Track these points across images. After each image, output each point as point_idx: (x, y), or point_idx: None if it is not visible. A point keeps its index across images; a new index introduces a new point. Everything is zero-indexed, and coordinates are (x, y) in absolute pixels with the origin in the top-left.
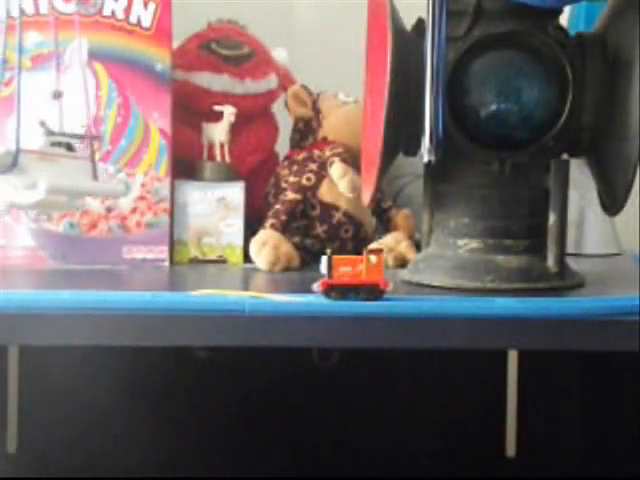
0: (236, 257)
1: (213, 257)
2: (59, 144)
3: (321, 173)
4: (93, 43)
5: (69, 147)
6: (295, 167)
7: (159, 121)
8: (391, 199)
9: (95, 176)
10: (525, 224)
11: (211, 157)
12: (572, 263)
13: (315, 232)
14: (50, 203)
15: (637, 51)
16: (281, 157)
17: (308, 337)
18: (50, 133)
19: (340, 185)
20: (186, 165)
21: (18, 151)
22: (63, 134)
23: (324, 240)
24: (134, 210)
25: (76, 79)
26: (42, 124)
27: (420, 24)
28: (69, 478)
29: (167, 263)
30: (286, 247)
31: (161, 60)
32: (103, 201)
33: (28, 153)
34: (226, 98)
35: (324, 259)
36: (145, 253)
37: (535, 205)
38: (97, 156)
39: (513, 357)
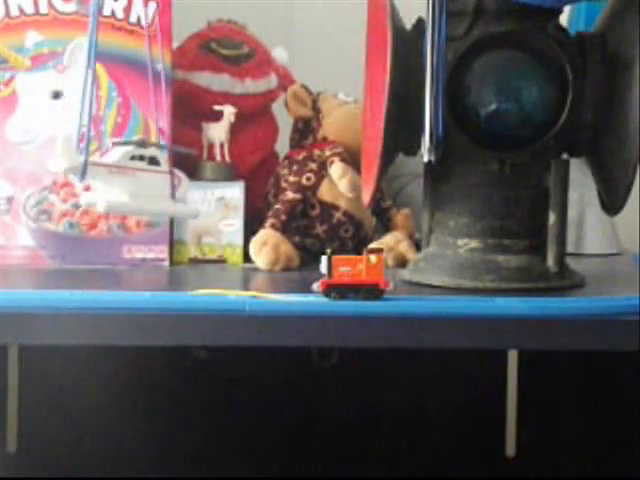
0: (236, 257)
1: (213, 257)
2: (141, 157)
3: (321, 173)
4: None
5: (153, 160)
6: (295, 167)
7: (159, 121)
8: (391, 199)
9: (173, 193)
10: (525, 224)
11: (211, 157)
12: (572, 263)
13: (315, 232)
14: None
15: (637, 51)
16: (281, 157)
17: (308, 337)
18: (138, 144)
19: (340, 185)
20: (186, 165)
21: (86, 164)
22: (148, 145)
23: (324, 240)
24: None
25: (76, 79)
26: (138, 140)
27: (420, 24)
28: (69, 478)
29: (167, 263)
30: (286, 247)
31: (161, 60)
32: None
33: (98, 166)
34: (226, 98)
35: (324, 259)
36: (145, 253)
37: (535, 205)
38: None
39: (513, 357)
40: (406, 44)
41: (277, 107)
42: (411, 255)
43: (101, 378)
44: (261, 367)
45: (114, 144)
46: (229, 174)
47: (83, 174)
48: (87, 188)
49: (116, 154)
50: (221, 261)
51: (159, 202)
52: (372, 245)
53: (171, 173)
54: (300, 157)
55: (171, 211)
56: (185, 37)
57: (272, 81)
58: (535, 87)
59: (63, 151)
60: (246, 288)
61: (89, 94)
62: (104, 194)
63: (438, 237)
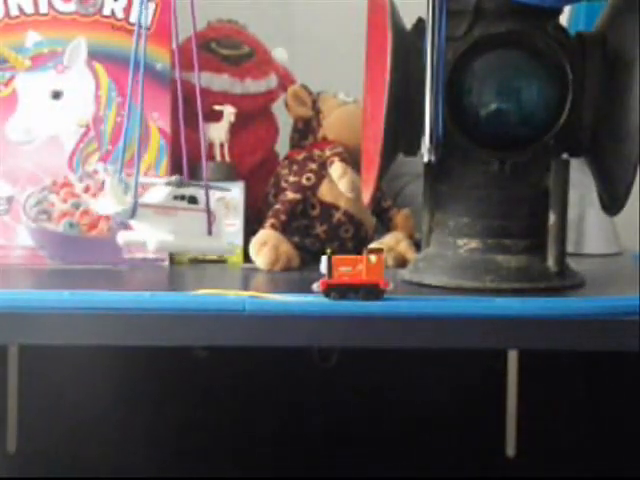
0: (236, 257)
1: (213, 257)
2: (182, 197)
3: (321, 173)
4: (93, 43)
5: (192, 199)
6: (295, 167)
7: (159, 121)
8: (391, 199)
9: (210, 231)
10: (525, 224)
11: (211, 157)
12: (572, 263)
13: (315, 232)
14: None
15: (637, 51)
16: (281, 157)
17: (308, 337)
18: (178, 184)
19: (340, 184)
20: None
21: (136, 205)
22: (190, 185)
23: (324, 240)
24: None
25: (76, 79)
26: (176, 180)
27: (420, 24)
28: (69, 478)
29: (167, 263)
30: (286, 247)
31: (161, 60)
32: None
33: (145, 207)
34: (226, 98)
35: (324, 259)
36: (145, 253)
37: (535, 205)
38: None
39: (513, 357)
40: (406, 44)
41: (277, 107)
42: (411, 255)
43: (101, 378)
44: (261, 367)
45: (150, 184)
46: (229, 174)
47: (133, 215)
48: (87, 189)
49: (160, 194)
50: (221, 261)
51: (198, 239)
52: (372, 245)
53: (208, 211)
54: (300, 157)
55: (209, 248)
56: (185, 37)
57: (272, 81)
58: (535, 87)
59: (112, 193)
60: (246, 288)
61: (138, 144)
62: (151, 233)
63: (438, 237)
